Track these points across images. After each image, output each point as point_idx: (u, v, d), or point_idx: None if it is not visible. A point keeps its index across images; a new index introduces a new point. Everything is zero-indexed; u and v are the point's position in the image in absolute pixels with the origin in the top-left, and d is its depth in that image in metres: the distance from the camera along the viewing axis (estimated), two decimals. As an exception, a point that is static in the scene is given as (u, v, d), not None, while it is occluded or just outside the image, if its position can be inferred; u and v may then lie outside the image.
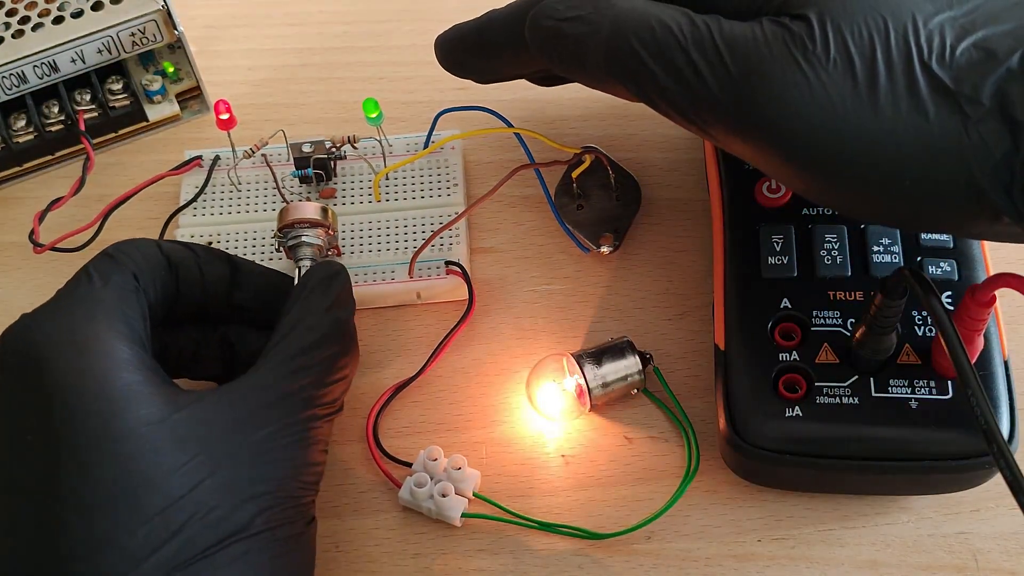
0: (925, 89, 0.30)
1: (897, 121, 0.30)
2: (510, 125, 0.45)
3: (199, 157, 0.47)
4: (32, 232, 0.44)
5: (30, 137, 0.47)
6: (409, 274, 0.43)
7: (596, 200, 0.45)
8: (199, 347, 0.38)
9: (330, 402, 0.36)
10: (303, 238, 0.41)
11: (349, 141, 0.46)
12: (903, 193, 0.31)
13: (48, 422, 0.31)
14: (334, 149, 0.46)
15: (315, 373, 0.35)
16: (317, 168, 0.45)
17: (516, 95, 0.49)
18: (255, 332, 0.39)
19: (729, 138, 0.33)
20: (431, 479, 0.39)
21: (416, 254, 0.43)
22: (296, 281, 0.39)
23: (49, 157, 0.48)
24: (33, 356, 0.32)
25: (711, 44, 0.32)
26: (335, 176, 0.46)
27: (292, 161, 0.46)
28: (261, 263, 0.42)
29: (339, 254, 0.44)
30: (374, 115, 0.44)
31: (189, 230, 0.45)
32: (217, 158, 0.47)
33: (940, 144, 0.30)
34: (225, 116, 0.44)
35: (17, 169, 0.48)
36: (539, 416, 0.41)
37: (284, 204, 0.43)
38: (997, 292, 0.33)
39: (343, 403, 0.37)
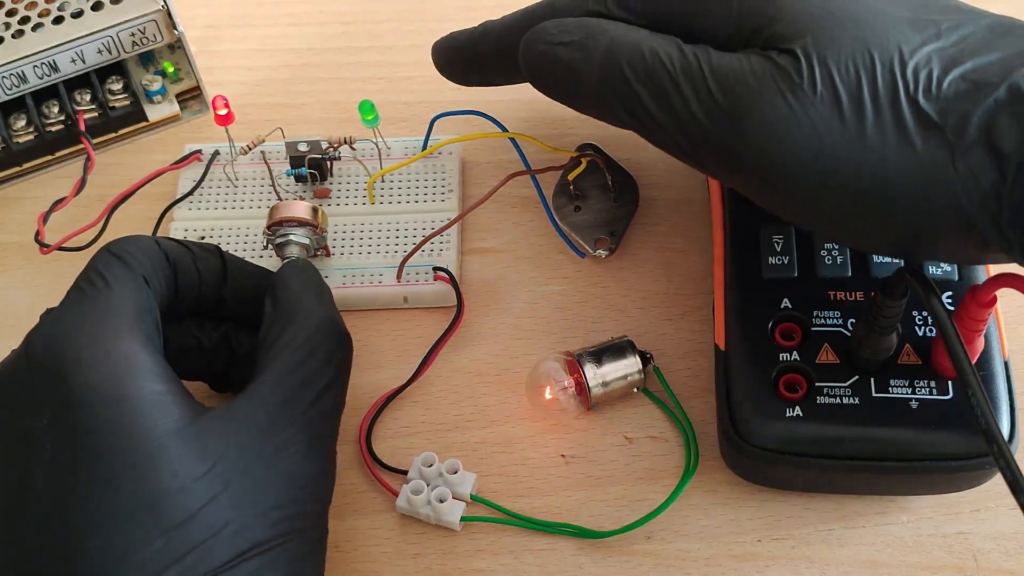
0: (912, 122, 0.30)
1: (885, 154, 0.30)
2: (505, 130, 0.45)
3: (199, 151, 0.47)
4: (37, 233, 0.44)
5: (30, 137, 0.47)
6: (397, 278, 0.43)
7: (594, 201, 0.45)
8: (200, 342, 0.38)
9: (333, 404, 0.36)
10: (291, 237, 0.41)
11: (347, 142, 0.46)
12: (894, 225, 0.31)
13: (69, 428, 0.31)
14: (330, 149, 0.45)
15: (316, 378, 0.35)
16: (312, 168, 0.45)
17: (516, 95, 0.48)
18: (246, 332, 0.39)
19: (719, 168, 0.33)
20: (427, 485, 0.38)
21: (405, 259, 0.43)
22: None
23: (49, 157, 0.48)
24: (58, 360, 0.32)
25: (699, 76, 0.32)
26: (331, 176, 0.46)
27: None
28: (252, 260, 0.42)
29: (328, 255, 0.44)
30: (370, 117, 0.44)
31: (184, 223, 0.45)
32: (216, 153, 0.47)
33: (929, 176, 0.30)
34: (223, 111, 0.44)
35: (17, 169, 0.48)
36: (539, 416, 0.40)
37: (277, 201, 0.43)
38: (997, 292, 0.33)
39: (345, 401, 0.37)
